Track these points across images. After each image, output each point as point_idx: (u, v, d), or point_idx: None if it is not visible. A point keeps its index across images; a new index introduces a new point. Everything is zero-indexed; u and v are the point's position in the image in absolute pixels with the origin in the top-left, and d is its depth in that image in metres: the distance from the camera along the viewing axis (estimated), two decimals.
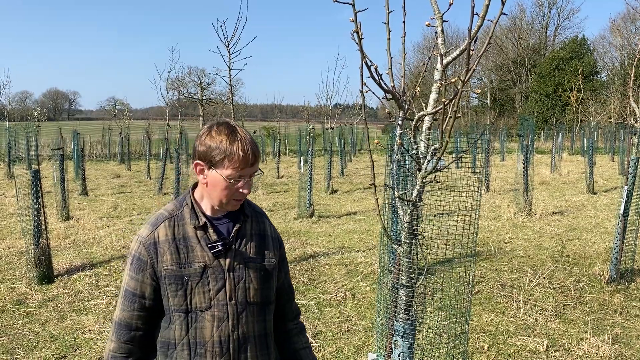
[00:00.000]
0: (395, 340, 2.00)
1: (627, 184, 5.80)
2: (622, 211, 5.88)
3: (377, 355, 2.02)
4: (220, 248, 1.70)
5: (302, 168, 11.10)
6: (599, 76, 46.08)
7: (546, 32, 52.67)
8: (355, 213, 10.78)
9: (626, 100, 33.79)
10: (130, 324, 1.72)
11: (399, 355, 1.94)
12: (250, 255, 1.77)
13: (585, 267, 6.74)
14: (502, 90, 51.58)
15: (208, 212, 1.76)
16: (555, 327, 4.96)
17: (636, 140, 5.62)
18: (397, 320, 2.01)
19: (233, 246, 1.73)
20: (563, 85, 42.57)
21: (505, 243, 8.06)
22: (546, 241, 8.17)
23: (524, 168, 10.17)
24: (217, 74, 6.80)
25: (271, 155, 28.49)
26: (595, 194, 13.18)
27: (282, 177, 18.04)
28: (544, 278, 6.27)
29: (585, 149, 21.52)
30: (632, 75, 5.84)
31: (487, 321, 5.09)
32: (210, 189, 1.71)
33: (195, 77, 47.92)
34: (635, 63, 5.68)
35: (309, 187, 10.32)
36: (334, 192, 13.92)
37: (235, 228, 1.76)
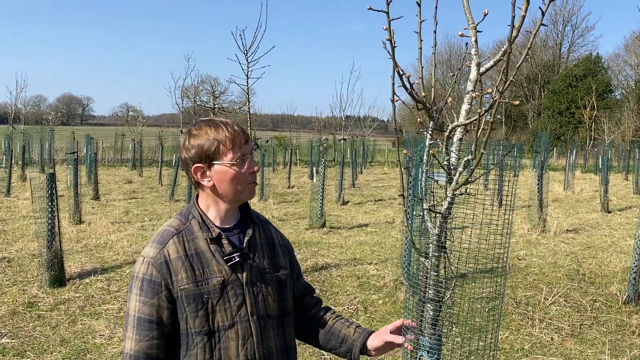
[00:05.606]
0: (420, 356, 1.94)
1: None
2: None
3: None
4: (238, 260, 1.60)
5: (314, 178, 11.07)
6: (613, 94, 45.79)
7: (560, 49, 52.54)
8: (366, 225, 10.72)
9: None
10: (149, 355, 1.55)
11: None
12: (264, 266, 1.68)
13: (602, 287, 6.62)
14: (514, 106, 51.46)
15: (217, 223, 1.65)
16: (571, 347, 4.86)
17: None
18: (423, 335, 1.95)
19: (249, 257, 1.64)
20: (576, 103, 42.35)
21: (520, 259, 7.96)
22: (561, 259, 8.06)
23: (538, 184, 10.07)
24: (233, 82, 6.80)
25: (282, 165, 28.52)
26: (609, 212, 13.01)
27: (293, 187, 18.02)
28: (560, 296, 6.17)
29: (599, 167, 21.31)
30: None
31: (501, 339, 5.00)
32: (220, 187, 1.61)
33: (208, 86, 48.27)
34: None
35: (321, 197, 10.28)
36: (345, 203, 13.86)
37: (247, 237, 1.66)
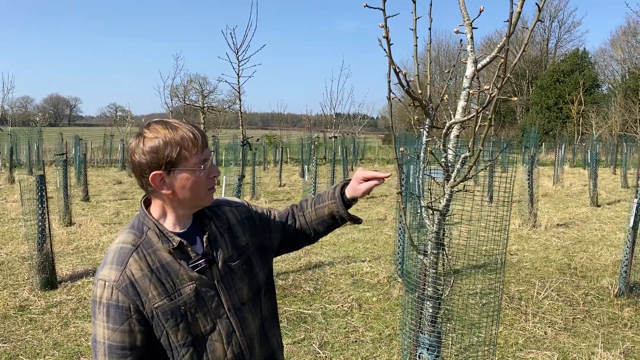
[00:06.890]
0: (420, 353, 1.94)
1: (637, 197, 5.76)
2: (631, 224, 5.83)
3: None
4: (204, 265, 1.53)
5: (305, 176, 11.07)
6: (600, 89, 46.18)
7: (547, 45, 52.91)
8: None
9: (628, 113, 33.86)
10: None
11: None
12: (229, 254, 1.61)
13: (594, 280, 6.68)
14: (503, 101, 51.71)
15: (176, 229, 1.56)
16: (565, 341, 4.90)
17: None
18: (422, 333, 1.95)
19: (215, 259, 1.59)
20: (564, 98, 42.67)
21: (512, 254, 8.01)
22: (552, 253, 8.12)
23: (528, 179, 10.13)
24: (224, 80, 6.78)
25: (273, 163, 28.47)
26: (599, 206, 13.14)
27: (284, 185, 18.00)
28: (552, 291, 6.21)
29: (587, 161, 21.49)
30: None
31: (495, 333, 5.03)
32: (180, 194, 1.50)
33: (197, 85, 47.99)
34: None
35: (313, 195, 10.27)
36: None
37: (205, 236, 1.58)
